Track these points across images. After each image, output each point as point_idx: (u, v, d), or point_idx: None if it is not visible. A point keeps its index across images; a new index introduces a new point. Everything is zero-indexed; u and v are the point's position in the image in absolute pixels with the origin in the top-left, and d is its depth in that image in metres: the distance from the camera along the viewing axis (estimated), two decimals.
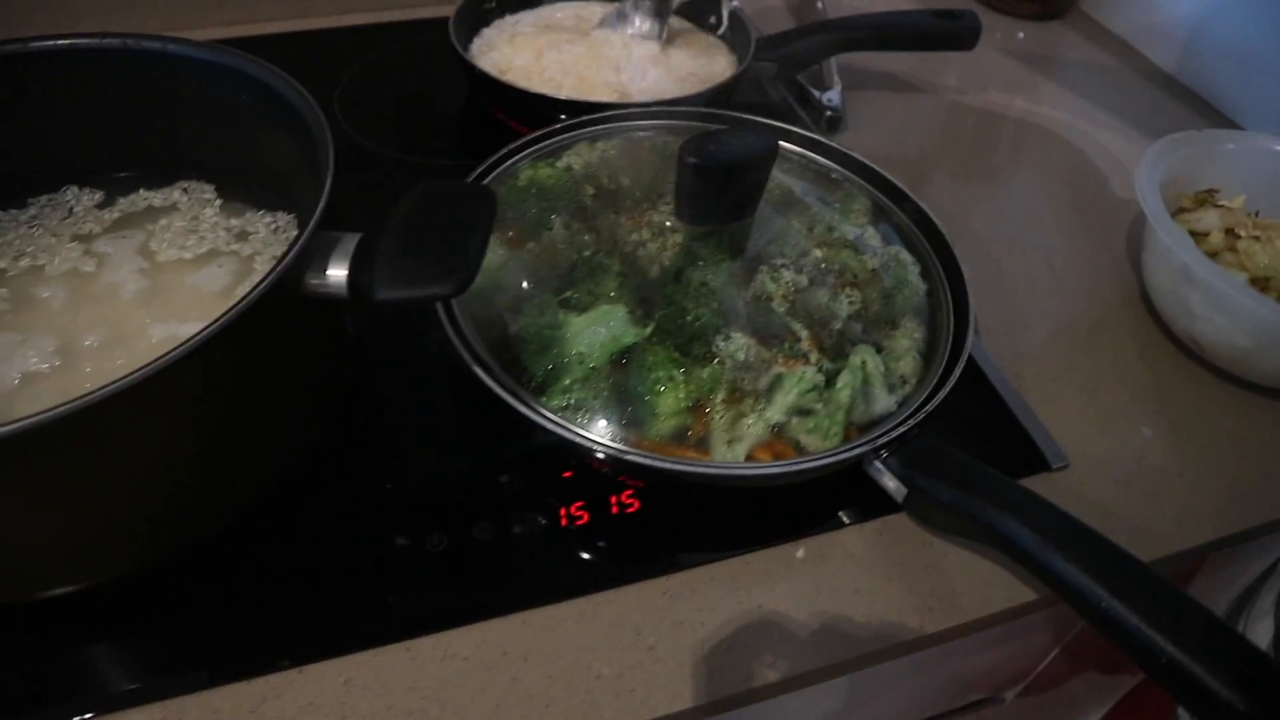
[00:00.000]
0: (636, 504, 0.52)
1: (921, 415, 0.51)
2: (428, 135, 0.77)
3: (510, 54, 0.77)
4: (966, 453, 0.51)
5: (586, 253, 0.56)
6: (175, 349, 0.38)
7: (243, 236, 0.57)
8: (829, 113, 0.79)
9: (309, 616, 0.47)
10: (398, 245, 0.44)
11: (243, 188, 0.60)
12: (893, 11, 0.84)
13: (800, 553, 0.52)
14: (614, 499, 0.52)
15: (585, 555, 0.51)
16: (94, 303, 0.54)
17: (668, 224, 0.57)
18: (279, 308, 0.43)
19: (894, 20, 0.82)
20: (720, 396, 0.51)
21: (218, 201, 0.59)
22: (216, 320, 0.40)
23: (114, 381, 0.37)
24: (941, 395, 0.52)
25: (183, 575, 0.48)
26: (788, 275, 0.55)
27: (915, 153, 0.82)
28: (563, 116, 0.70)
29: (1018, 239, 0.74)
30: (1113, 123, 0.88)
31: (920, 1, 1.04)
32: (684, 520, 0.53)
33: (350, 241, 0.45)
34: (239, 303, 0.40)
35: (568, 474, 0.53)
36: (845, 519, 0.54)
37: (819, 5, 0.92)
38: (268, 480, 0.50)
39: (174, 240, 0.57)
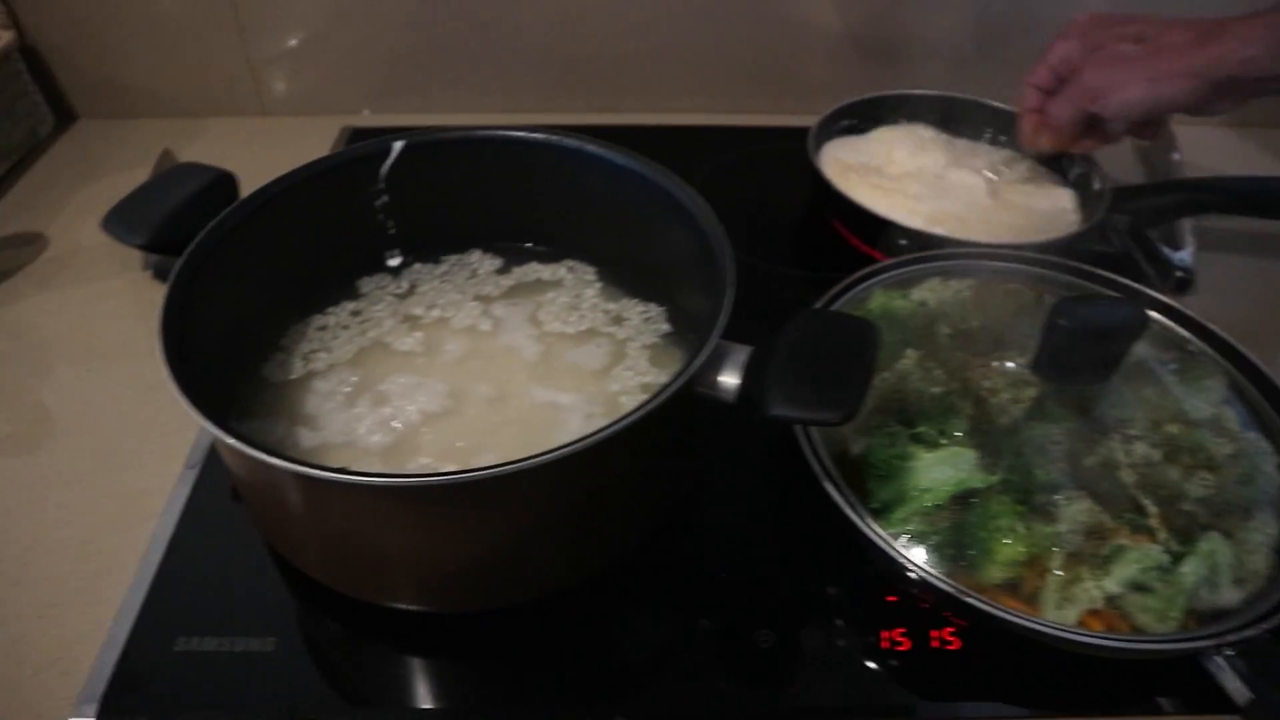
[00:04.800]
0: (957, 643, 0.55)
1: (1277, 620, 0.51)
2: (767, 241, 0.85)
3: (857, 175, 0.83)
4: None
5: (937, 389, 0.60)
6: (601, 430, 0.46)
7: (618, 320, 0.66)
8: (1179, 273, 0.79)
9: (641, 684, 0.54)
10: (789, 368, 0.50)
11: (620, 274, 0.69)
12: (1261, 178, 0.84)
13: None
14: (934, 633, 0.56)
15: (904, 681, 0.54)
16: (485, 359, 0.64)
17: (1021, 374, 0.60)
18: (674, 403, 0.50)
19: (1263, 188, 0.81)
20: (1059, 557, 0.53)
21: (598, 284, 0.69)
22: (637, 410, 0.47)
23: (550, 450, 0.45)
24: None
25: (522, 621, 0.56)
26: (1141, 448, 0.57)
27: (1273, 328, 0.80)
28: (902, 242, 0.76)
29: None
30: None
31: None
32: (999, 669, 0.55)
33: (741, 353, 0.52)
34: (654, 397, 0.48)
35: (891, 599, 0.57)
36: (1165, 706, 0.54)
37: (1175, 156, 0.93)
38: (628, 545, 0.57)
39: (558, 314, 0.66)
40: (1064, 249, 0.71)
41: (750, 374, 0.51)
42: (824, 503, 0.55)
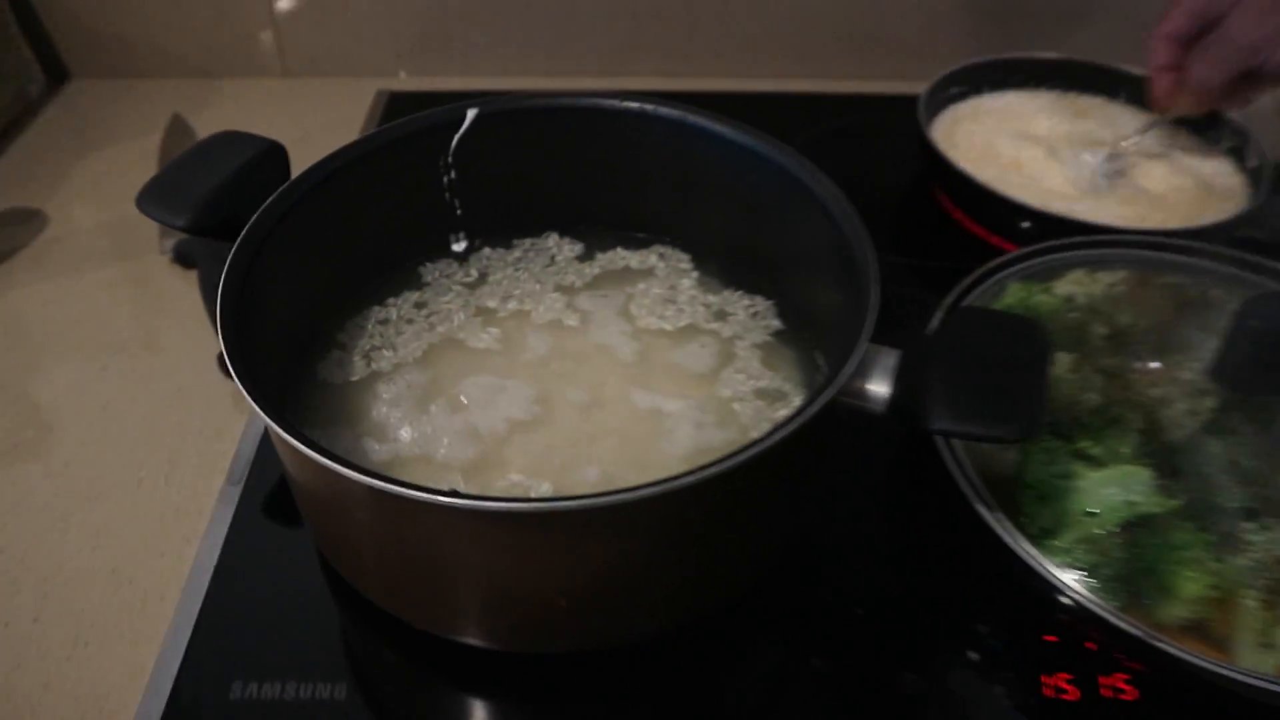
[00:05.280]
0: (1133, 692, 0.51)
1: None
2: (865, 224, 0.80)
3: (975, 149, 0.78)
4: None
5: (1096, 398, 0.56)
6: (759, 441, 0.40)
7: (721, 316, 0.61)
8: None
9: None
10: (950, 375, 0.45)
11: (719, 263, 0.64)
12: None
13: None
14: (1104, 680, 0.51)
15: None
16: (575, 359, 0.59)
17: (1196, 381, 0.56)
18: (823, 415, 0.45)
19: None
20: (1256, 593, 0.49)
21: (694, 274, 0.63)
22: (790, 420, 0.41)
23: (708, 465, 0.39)
24: None
25: (622, 664, 0.52)
26: None
27: None
28: (1025, 225, 0.71)
29: None
30: None
31: None
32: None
33: (889, 358, 0.46)
34: (804, 408, 0.42)
35: (1050, 638, 0.53)
36: None
37: None
38: (744, 581, 0.52)
39: (652, 308, 0.61)
40: (1222, 235, 0.66)
41: (902, 382, 0.45)
42: (967, 525, 0.51)
